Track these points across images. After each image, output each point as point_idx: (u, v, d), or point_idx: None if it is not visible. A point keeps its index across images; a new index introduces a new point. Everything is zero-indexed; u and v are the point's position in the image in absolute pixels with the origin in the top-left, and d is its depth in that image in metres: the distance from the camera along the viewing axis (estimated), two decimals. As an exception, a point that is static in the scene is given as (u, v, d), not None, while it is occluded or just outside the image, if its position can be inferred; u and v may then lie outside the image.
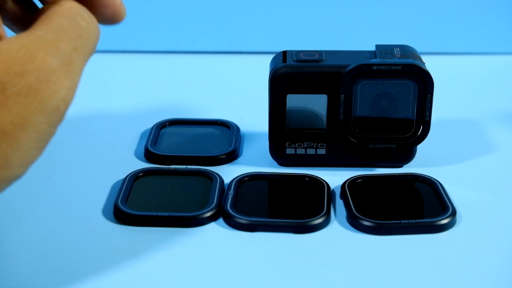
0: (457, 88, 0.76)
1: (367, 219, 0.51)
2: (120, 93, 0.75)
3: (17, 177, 0.39)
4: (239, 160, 0.61)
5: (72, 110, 0.42)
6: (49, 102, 0.38)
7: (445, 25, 0.84)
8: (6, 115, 0.37)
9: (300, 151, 0.59)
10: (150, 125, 0.66)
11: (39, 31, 0.39)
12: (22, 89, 0.37)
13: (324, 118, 0.58)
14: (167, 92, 0.76)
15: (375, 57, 0.57)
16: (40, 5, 0.48)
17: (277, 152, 0.59)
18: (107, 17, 0.44)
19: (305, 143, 0.59)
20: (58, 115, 0.39)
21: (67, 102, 0.39)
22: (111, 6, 0.44)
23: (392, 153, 0.59)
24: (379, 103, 0.57)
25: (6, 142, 0.37)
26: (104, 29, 0.44)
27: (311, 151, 0.59)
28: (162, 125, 0.66)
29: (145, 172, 0.58)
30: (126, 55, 0.84)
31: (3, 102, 0.37)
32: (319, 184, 0.56)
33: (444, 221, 0.51)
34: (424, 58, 0.57)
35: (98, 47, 0.43)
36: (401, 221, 0.51)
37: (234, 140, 0.63)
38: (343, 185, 0.56)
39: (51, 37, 0.39)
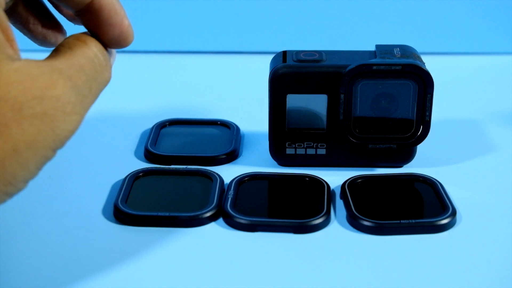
0: (457, 88, 0.76)
1: (367, 219, 0.51)
2: (120, 93, 0.75)
3: (19, 191, 0.40)
4: (239, 160, 0.61)
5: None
6: (61, 131, 0.39)
7: (445, 25, 0.84)
8: (20, 134, 0.38)
9: (300, 151, 0.59)
10: (150, 125, 0.66)
11: (61, 65, 0.40)
12: (38, 113, 0.38)
13: (324, 118, 0.58)
14: (167, 92, 0.76)
15: (375, 57, 0.57)
16: (50, 7, 0.48)
17: (277, 152, 0.59)
18: (115, 38, 0.45)
19: (305, 143, 0.59)
20: (63, 143, 0.40)
21: (72, 134, 0.40)
22: (119, 27, 0.44)
23: (392, 153, 0.59)
24: (379, 103, 0.57)
25: (17, 161, 0.38)
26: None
27: (311, 151, 0.59)
28: (162, 125, 0.66)
29: (145, 172, 0.58)
30: (126, 55, 0.83)
31: (18, 121, 0.38)
32: (319, 184, 0.56)
33: (444, 221, 0.51)
34: (424, 58, 0.57)
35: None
36: (401, 221, 0.51)
37: (234, 140, 0.63)
38: (343, 185, 0.56)
39: (71, 73, 0.40)
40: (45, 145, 0.39)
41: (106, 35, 0.44)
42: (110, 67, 0.45)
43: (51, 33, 0.49)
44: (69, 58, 0.41)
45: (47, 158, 0.40)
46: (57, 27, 0.49)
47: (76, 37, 0.43)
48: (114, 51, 0.46)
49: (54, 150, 0.40)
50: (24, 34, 0.48)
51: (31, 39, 0.49)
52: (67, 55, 0.42)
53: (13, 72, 0.38)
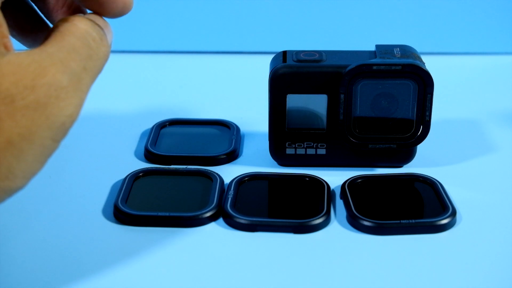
0: (457, 88, 0.76)
1: (367, 219, 0.51)
2: (120, 93, 0.75)
3: (19, 188, 0.39)
4: (239, 160, 0.61)
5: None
6: (56, 117, 0.39)
7: (445, 25, 0.84)
8: (13, 127, 0.37)
9: (300, 151, 0.59)
10: (150, 125, 0.66)
11: (51, 49, 0.40)
12: (31, 102, 0.38)
13: (324, 118, 0.58)
14: (167, 92, 0.76)
15: (375, 57, 0.57)
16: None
17: (277, 152, 0.59)
18: (119, 10, 0.45)
19: (305, 143, 0.59)
20: (63, 131, 0.39)
21: (73, 119, 0.40)
22: (122, 1, 0.45)
23: (392, 153, 0.59)
24: (379, 103, 0.57)
25: (12, 153, 0.38)
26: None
27: (311, 151, 0.59)
28: (162, 125, 0.66)
29: (145, 172, 0.58)
30: (126, 55, 0.84)
31: (11, 113, 0.37)
32: (319, 184, 0.56)
33: (444, 221, 0.51)
34: (424, 58, 0.57)
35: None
36: (401, 221, 0.51)
37: (234, 140, 0.63)
38: (343, 185, 0.56)
39: (63, 55, 0.40)
40: (41, 135, 0.38)
41: (111, 11, 0.44)
42: (107, 41, 0.44)
43: (40, 35, 0.48)
44: (59, 41, 0.41)
45: (47, 149, 0.39)
46: (46, 28, 0.49)
47: (64, 19, 0.43)
48: (108, 26, 0.46)
49: (54, 140, 0.39)
50: (13, 36, 0.48)
51: (21, 42, 0.49)
52: (57, 38, 0.41)
53: (4, 65, 0.38)
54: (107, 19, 0.46)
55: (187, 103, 0.73)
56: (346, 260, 0.49)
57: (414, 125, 0.57)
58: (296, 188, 0.56)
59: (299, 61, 0.57)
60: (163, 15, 0.84)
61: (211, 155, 0.60)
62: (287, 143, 0.59)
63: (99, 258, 0.48)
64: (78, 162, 0.61)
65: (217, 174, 0.57)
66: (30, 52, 0.39)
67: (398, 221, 0.51)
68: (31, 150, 0.38)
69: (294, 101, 0.58)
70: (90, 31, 0.43)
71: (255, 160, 0.61)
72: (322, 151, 0.59)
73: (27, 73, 0.38)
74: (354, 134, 0.58)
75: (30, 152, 0.38)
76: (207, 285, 0.46)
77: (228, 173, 0.58)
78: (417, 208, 0.55)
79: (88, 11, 0.46)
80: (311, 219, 0.51)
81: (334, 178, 0.57)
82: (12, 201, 0.41)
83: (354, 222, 0.52)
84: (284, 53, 0.58)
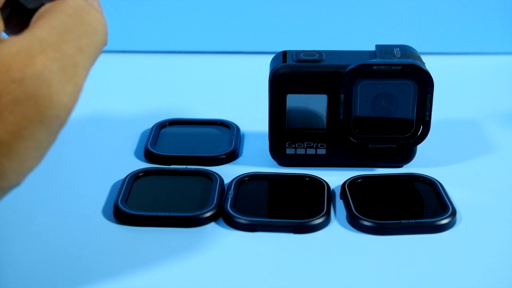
0: (457, 88, 0.76)
1: (367, 219, 0.51)
2: (120, 93, 0.75)
3: (14, 186, 0.37)
4: (239, 160, 0.61)
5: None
6: (48, 110, 0.36)
7: (445, 25, 0.84)
8: (0, 124, 0.35)
9: (300, 151, 0.59)
10: (150, 125, 0.66)
11: (40, 31, 0.37)
12: (19, 96, 0.35)
13: (324, 118, 0.58)
14: (167, 92, 0.76)
15: (375, 57, 0.57)
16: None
17: (277, 152, 0.59)
18: None
19: (305, 143, 0.59)
20: (58, 123, 0.37)
21: (68, 109, 0.37)
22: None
23: (392, 153, 0.59)
24: (379, 103, 0.57)
25: (0, 152, 0.35)
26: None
27: (311, 151, 0.59)
28: (162, 125, 0.66)
29: (145, 172, 0.58)
30: (126, 55, 0.84)
31: None
32: (319, 184, 0.56)
33: (444, 221, 0.51)
34: (424, 58, 0.57)
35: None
36: (401, 221, 0.51)
37: (234, 140, 0.63)
38: (343, 185, 0.56)
39: (53, 38, 0.37)
40: (32, 130, 0.36)
41: None
42: (103, 14, 0.40)
43: None
44: (48, 21, 0.37)
45: (41, 143, 0.37)
46: None
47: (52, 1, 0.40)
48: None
49: (49, 133, 0.36)
50: None
51: None
52: (45, 18, 0.38)
53: None
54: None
55: (187, 103, 0.73)
56: (346, 260, 0.49)
57: (414, 125, 0.57)
58: (296, 188, 0.56)
59: (299, 61, 0.57)
60: (163, 15, 0.84)
61: (211, 155, 0.60)
62: (287, 143, 0.59)
63: (99, 258, 0.48)
64: (78, 162, 0.61)
65: (217, 174, 0.57)
66: (17, 38, 0.36)
67: (398, 221, 0.51)
68: (22, 146, 0.36)
69: (294, 101, 0.58)
70: (83, 3, 0.39)
71: (255, 160, 0.61)
72: (322, 151, 0.59)
73: (14, 63, 0.35)
74: (354, 134, 0.58)
75: (21, 149, 0.36)
76: (207, 285, 0.46)
77: (228, 173, 0.58)
78: (417, 208, 0.55)
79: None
80: (311, 219, 0.51)
81: (334, 178, 0.57)
82: (12, 201, 0.41)
83: (354, 222, 0.52)
84: (284, 53, 0.58)
